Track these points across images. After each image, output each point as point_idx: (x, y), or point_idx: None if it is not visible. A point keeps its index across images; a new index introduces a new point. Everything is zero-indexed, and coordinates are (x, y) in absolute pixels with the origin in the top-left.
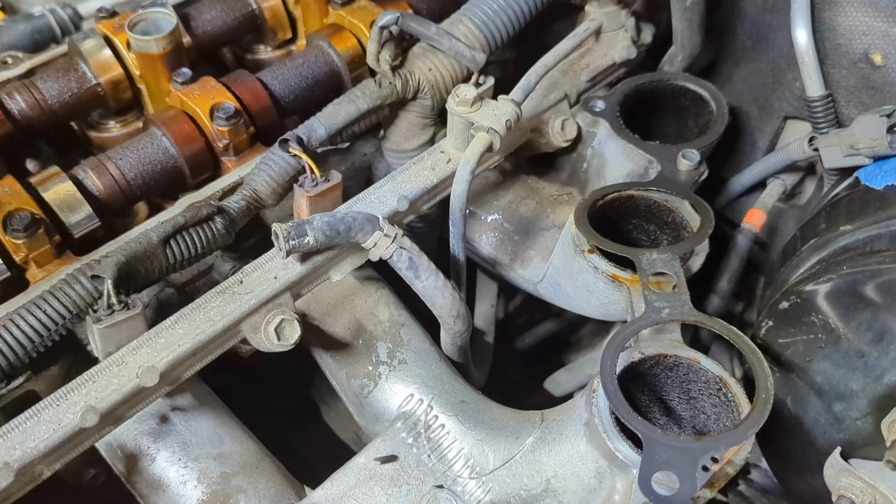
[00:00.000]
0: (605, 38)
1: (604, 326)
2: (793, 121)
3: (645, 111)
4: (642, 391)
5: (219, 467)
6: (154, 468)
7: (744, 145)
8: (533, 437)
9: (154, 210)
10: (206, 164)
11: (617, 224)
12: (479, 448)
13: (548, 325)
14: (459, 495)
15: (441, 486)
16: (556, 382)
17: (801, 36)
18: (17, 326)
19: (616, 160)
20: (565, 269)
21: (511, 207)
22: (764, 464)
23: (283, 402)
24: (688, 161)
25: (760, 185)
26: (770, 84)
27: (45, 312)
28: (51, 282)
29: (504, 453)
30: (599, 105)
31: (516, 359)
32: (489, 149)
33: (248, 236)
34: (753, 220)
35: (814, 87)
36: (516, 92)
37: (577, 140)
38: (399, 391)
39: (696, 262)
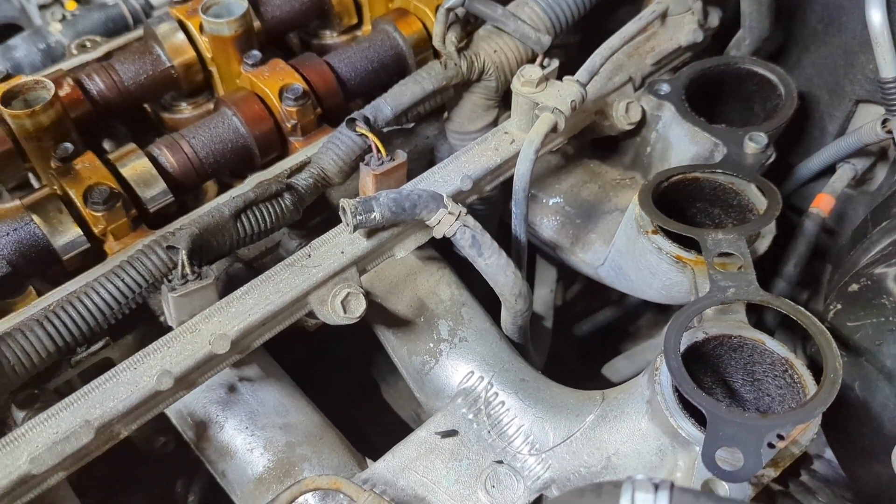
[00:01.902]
0: (671, 21)
1: (663, 317)
2: (865, 104)
3: (710, 96)
4: (705, 372)
5: (284, 436)
6: (222, 435)
7: (812, 130)
8: (594, 414)
9: (223, 189)
10: (274, 144)
11: (681, 207)
12: (538, 425)
13: (606, 312)
14: (519, 471)
15: (501, 462)
16: (614, 369)
17: (876, 16)
18: (97, 294)
19: (681, 143)
20: (628, 252)
21: (573, 191)
22: (828, 454)
23: (344, 382)
24: (755, 144)
25: (829, 171)
26: (842, 67)
27: (122, 281)
28: (127, 253)
29: (564, 430)
30: (665, 88)
31: (573, 346)
32: (553, 129)
33: (315, 215)
34: (822, 204)
35: (888, 69)
36: (581, 73)
37: (642, 124)
38: (459, 368)
39: (763, 245)
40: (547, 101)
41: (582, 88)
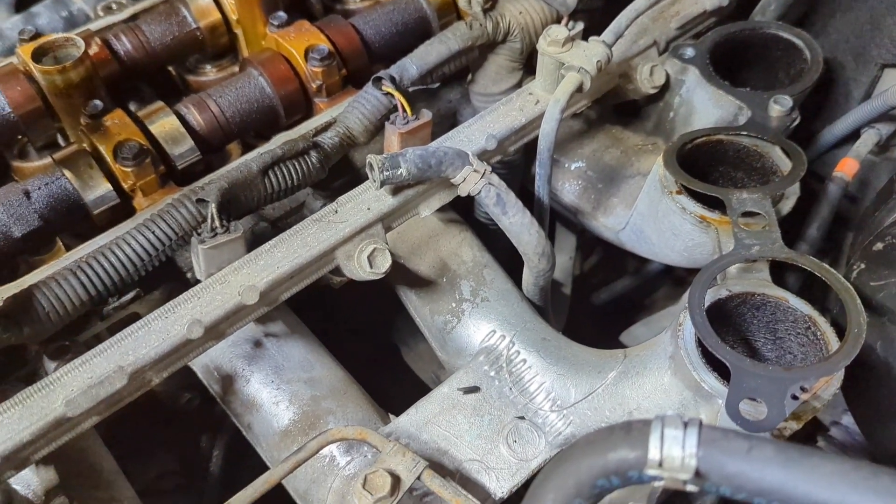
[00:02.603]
0: None
1: (680, 289)
2: (891, 69)
3: (735, 61)
4: (728, 331)
5: (309, 390)
6: (248, 389)
7: (837, 97)
8: (615, 371)
9: (247, 151)
10: (299, 105)
11: (703, 171)
12: (560, 382)
13: (624, 281)
14: (540, 427)
15: (522, 418)
16: (633, 336)
17: None
18: (129, 245)
19: (704, 107)
20: (650, 214)
21: (595, 156)
22: (845, 420)
23: (364, 345)
24: (780, 107)
25: (853, 138)
26: (868, 32)
27: (153, 233)
28: (156, 209)
29: (586, 387)
30: (689, 52)
31: (591, 315)
32: (579, 89)
33: (339, 177)
34: (846, 168)
35: None
36: (607, 34)
37: (665, 88)
38: (481, 327)
39: (787, 206)
40: (573, 60)
41: (608, 49)
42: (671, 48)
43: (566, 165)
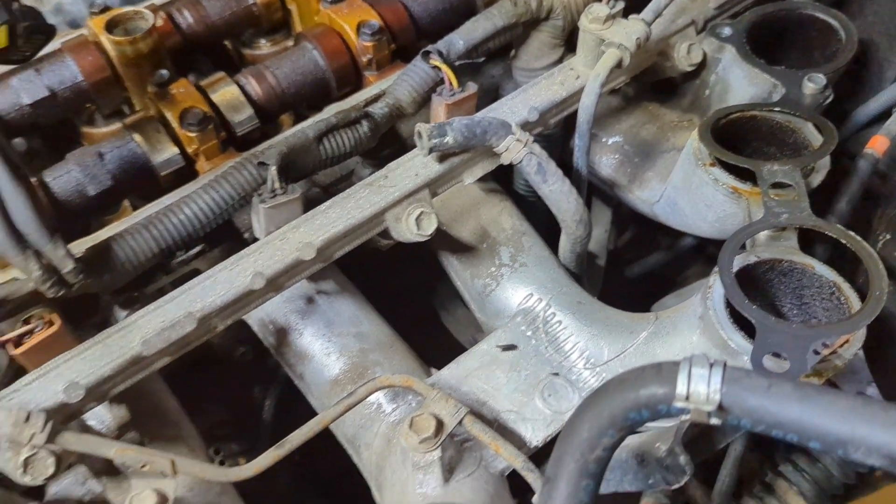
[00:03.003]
0: None
1: (711, 267)
2: None
3: (771, 42)
4: (755, 296)
5: (358, 343)
6: (301, 341)
7: (871, 78)
8: (647, 332)
9: (299, 121)
10: (350, 78)
11: (737, 146)
12: (594, 342)
13: (657, 256)
14: (574, 383)
15: (557, 374)
16: (664, 306)
17: None
18: (196, 203)
19: (740, 85)
20: (684, 187)
21: (632, 131)
22: (870, 391)
23: (405, 309)
24: (813, 85)
25: (884, 117)
26: None
27: (218, 193)
28: (218, 172)
29: (618, 347)
30: (726, 31)
31: (623, 288)
32: (619, 65)
33: (386, 147)
34: (877, 145)
35: None
36: (646, 12)
37: (702, 66)
38: (519, 290)
39: (817, 179)
40: (613, 37)
41: (647, 27)
42: (709, 27)
43: (604, 140)
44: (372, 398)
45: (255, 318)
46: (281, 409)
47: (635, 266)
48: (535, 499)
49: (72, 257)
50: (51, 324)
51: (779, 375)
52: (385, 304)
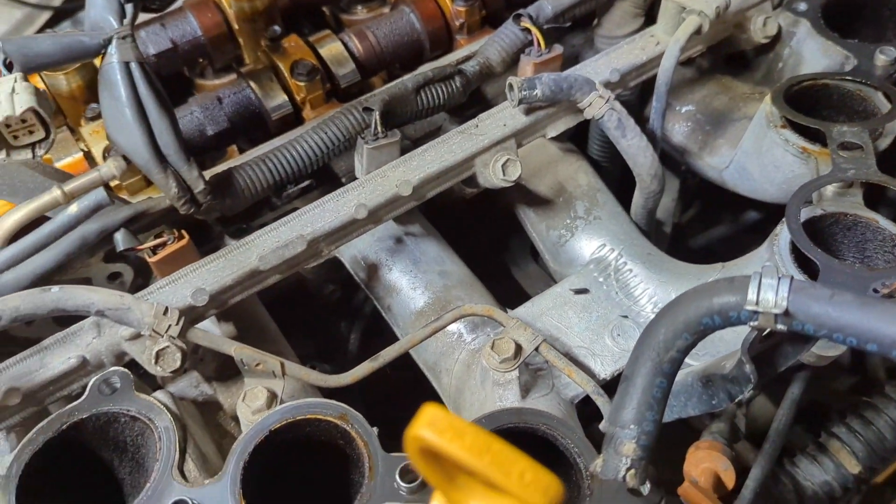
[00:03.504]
0: None
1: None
2: None
3: (845, 19)
4: (819, 247)
5: (441, 280)
6: (390, 276)
7: None
8: (714, 278)
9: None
10: (442, 40)
11: (807, 113)
12: (662, 288)
13: (720, 229)
14: (642, 325)
15: (626, 317)
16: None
17: None
18: (307, 142)
19: (813, 58)
20: (754, 151)
21: (705, 101)
22: None
23: (479, 264)
24: (885, 57)
25: None
26: None
27: (326, 133)
28: (323, 118)
29: None
30: (802, 6)
31: (687, 257)
32: (698, 31)
33: (472, 106)
34: None
35: None
36: None
37: (776, 39)
38: (593, 241)
39: (884, 143)
40: (694, 5)
41: None
42: (785, 2)
43: (677, 108)
44: (453, 328)
45: (348, 255)
46: (364, 344)
47: (699, 238)
48: (602, 424)
49: (203, 179)
50: (181, 237)
51: (841, 286)
52: (462, 257)
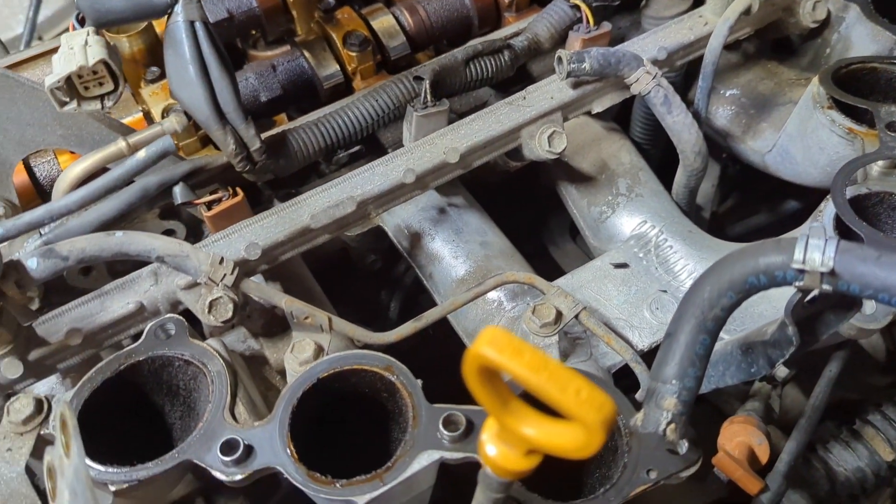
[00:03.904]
0: None
1: None
2: None
3: (894, 7)
4: None
5: (482, 250)
6: (432, 245)
7: None
8: None
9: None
10: (491, 17)
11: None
12: (703, 265)
13: (759, 218)
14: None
15: (665, 291)
16: None
17: None
18: (357, 108)
19: (861, 43)
20: (798, 133)
21: (750, 85)
22: None
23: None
24: None
25: None
26: None
27: (377, 100)
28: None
29: None
30: None
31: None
32: (747, 12)
33: (518, 83)
34: None
35: None
36: None
37: (825, 25)
38: (634, 218)
39: None
40: None
41: None
42: None
43: (721, 92)
44: (493, 295)
45: (392, 224)
46: (404, 313)
47: (737, 226)
48: (638, 394)
49: (259, 137)
50: (236, 194)
51: (888, 248)
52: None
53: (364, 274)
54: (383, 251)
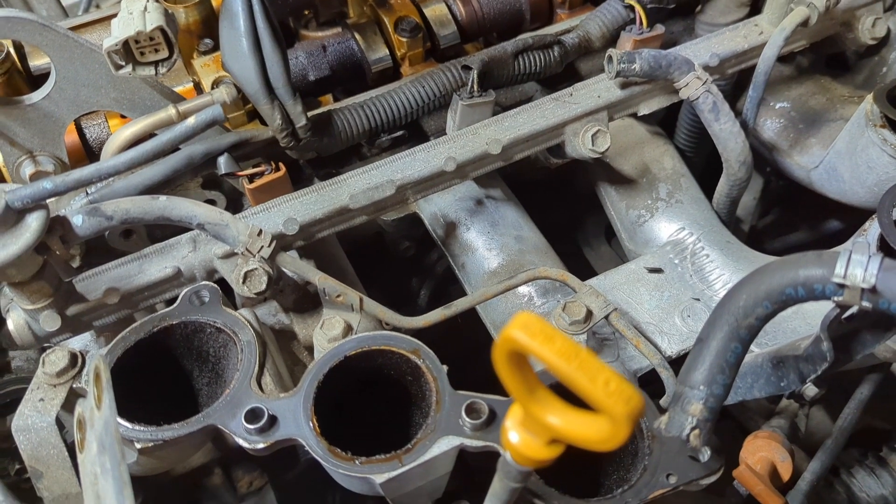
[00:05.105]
0: None
1: None
2: None
3: None
4: None
5: (517, 244)
6: (467, 235)
7: None
8: None
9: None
10: (543, 12)
11: None
12: (738, 276)
13: (798, 235)
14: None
15: (698, 299)
16: None
17: None
18: (404, 93)
19: None
20: (847, 151)
21: (801, 99)
22: None
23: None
24: None
25: None
26: None
27: (424, 87)
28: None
29: None
30: None
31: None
32: (804, 23)
33: (565, 81)
34: None
35: None
36: None
37: (883, 43)
38: (672, 224)
39: None
40: None
41: None
42: None
43: (771, 104)
44: (524, 290)
45: (429, 212)
46: (433, 301)
47: (776, 242)
48: (663, 399)
49: (305, 115)
50: (278, 169)
51: None
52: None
53: (397, 260)
54: (418, 238)
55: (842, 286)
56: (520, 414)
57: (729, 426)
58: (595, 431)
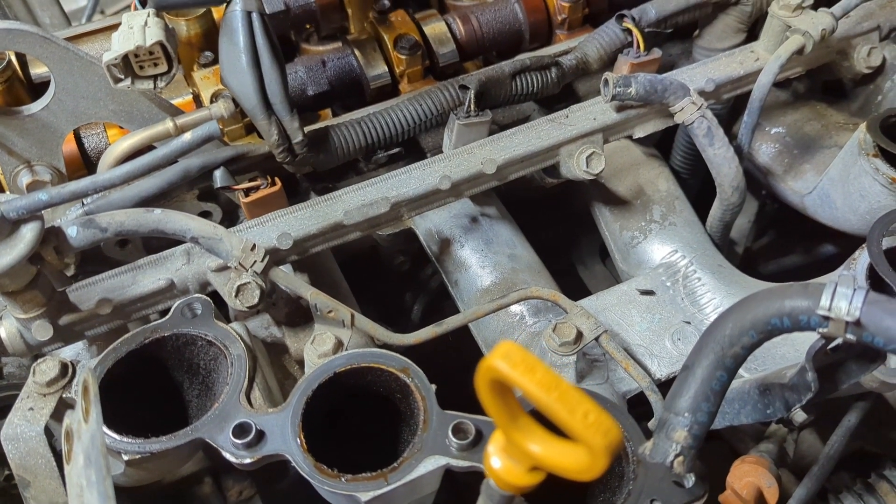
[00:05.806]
0: None
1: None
2: None
3: None
4: None
5: (510, 263)
6: (461, 252)
7: None
8: None
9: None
10: (542, 33)
11: None
12: (730, 300)
13: (793, 258)
14: None
15: (688, 323)
16: None
17: None
18: (401, 111)
19: None
20: (840, 179)
21: (796, 124)
22: None
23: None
24: None
25: None
26: None
27: (421, 105)
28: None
29: None
30: None
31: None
32: (800, 51)
33: (563, 101)
34: None
35: None
36: (836, 8)
37: (879, 71)
38: (665, 246)
39: None
40: (799, 25)
41: (834, 20)
42: (893, 35)
43: (767, 129)
44: (516, 309)
45: (424, 227)
46: (426, 317)
47: (770, 264)
48: (651, 422)
49: (302, 130)
50: (274, 183)
51: None
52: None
53: (391, 274)
54: (412, 253)
55: (827, 318)
56: (502, 440)
57: (719, 448)
58: (574, 462)
